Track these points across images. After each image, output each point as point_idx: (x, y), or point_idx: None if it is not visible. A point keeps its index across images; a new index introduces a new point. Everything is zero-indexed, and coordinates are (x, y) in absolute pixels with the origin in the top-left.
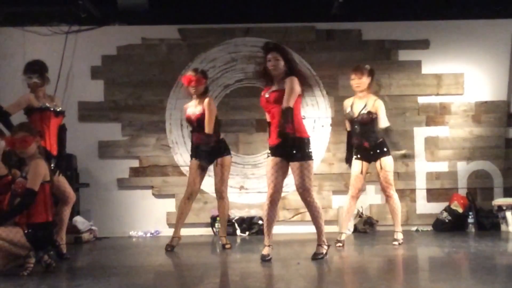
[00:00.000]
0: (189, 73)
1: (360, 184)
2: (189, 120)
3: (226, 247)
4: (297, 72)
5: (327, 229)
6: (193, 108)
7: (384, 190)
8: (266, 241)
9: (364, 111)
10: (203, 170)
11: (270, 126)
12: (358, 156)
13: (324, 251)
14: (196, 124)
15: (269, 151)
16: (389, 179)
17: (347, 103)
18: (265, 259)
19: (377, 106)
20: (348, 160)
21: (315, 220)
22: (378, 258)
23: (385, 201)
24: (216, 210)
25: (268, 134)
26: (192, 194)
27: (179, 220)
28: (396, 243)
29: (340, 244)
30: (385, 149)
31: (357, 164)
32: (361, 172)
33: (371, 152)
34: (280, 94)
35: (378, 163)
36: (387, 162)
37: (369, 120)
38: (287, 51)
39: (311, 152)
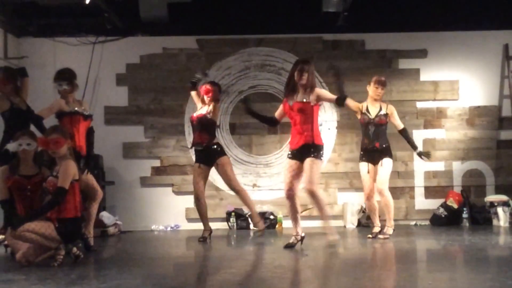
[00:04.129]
0: (209, 85)
1: (371, 183)
2: (191, 121)
3: (257, 234)
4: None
5: (334, 223)
6: (200, 111)
7: (378, 191)
8: (293, 231)
9: (382, 113)
10: (202, 172)
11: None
12: (364, 158)
13: (337, 237)
14: (196, 123)
15: (289, 153)
16: (386, 180)
17: (362, 105)
18: (288, 246)
19: (391, 109)
20: None
21: (322, 210)
22: (380, 250)
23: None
24: (231, 206)
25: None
26: (198, 195)
27: (201, 216)
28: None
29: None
30: (389, 153)
31: (364, 166)
32: (368, 172)
33: (377, 154)
34: (304, 106)
35: (380, 162)
36: (388, 163)
37: (385, 121)
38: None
39: (323, 155)
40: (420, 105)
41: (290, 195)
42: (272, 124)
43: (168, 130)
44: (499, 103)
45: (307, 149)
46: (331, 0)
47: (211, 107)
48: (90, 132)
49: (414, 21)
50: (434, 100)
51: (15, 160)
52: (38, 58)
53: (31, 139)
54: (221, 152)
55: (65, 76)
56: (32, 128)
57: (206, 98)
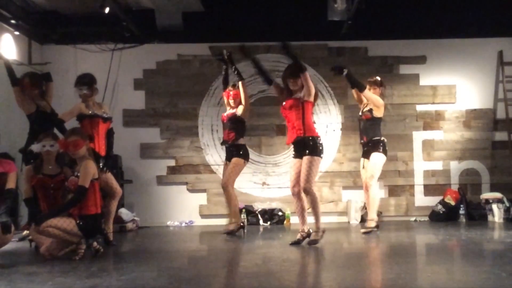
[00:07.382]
0: (230, 89)
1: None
2: (222, 120)
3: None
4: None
5: (338, 219)
6: (228, 112)
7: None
8: (300, 228)
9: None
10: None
11: (287, 129)
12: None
13: (319, 238)
14: (227, 121)
15: (293, 152)
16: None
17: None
18: (294, 243)
19: None
20: None
21: (314, 208)
22: (382, 244)
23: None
24: (242, 203)
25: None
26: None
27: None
28: (365, 230)
29: None
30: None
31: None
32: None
33: (365, 148)
34: (294, 102)
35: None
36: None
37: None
38: (303, 69)
39: (320, 149)
40: (419, 108)
41: (295, 192)
42: (268, 82)
43: (182, 132)
44: (494, 106)
45: (301, 142)
46: (336, 9)
47: (235, 109)
48: (109, 134)
49: (414, 29)
50: (433, 103)
51: (38, 160)
52: (60, 64)
53: (54, 140)
54: (238, 154)
55: (85, 81)
56: (55, 130)
57: (231, 102)
